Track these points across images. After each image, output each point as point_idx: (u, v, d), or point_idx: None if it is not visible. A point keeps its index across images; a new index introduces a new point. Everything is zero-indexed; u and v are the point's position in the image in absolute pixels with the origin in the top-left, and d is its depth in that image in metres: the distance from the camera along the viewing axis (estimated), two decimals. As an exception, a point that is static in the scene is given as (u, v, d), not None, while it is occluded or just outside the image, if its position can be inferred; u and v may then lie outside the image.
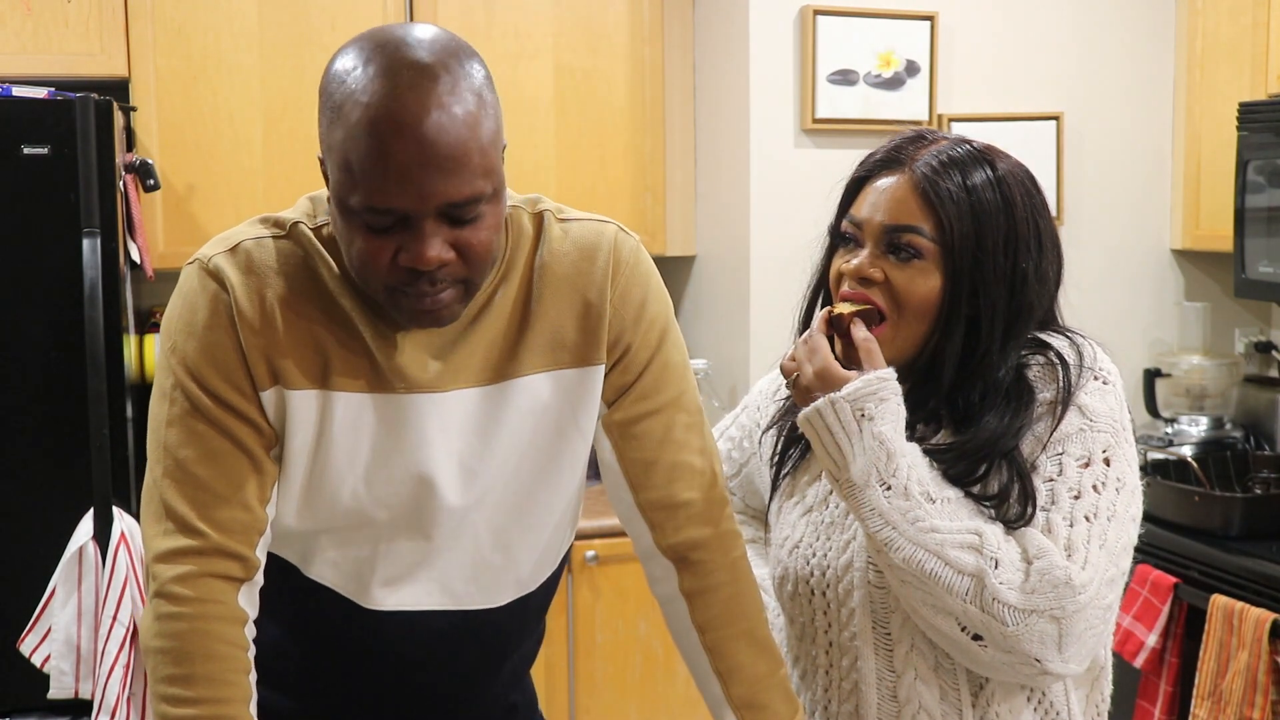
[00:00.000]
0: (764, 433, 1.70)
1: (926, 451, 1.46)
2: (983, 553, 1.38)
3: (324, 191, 1.43)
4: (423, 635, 1.47)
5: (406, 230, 1.26)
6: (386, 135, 1.23)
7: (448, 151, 1.24)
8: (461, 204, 1.26)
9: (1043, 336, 1.52)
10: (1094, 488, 1.43)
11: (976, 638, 1.40)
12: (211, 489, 1.35)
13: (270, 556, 1.44)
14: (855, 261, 1.50)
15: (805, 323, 1.60)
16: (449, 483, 1.41)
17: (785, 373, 1.50)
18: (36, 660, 2.64)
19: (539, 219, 1.45)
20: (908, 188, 1.48)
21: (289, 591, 1.47)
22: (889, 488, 1.40)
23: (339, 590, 1.46)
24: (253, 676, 1.37)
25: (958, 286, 1.47)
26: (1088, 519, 1.41)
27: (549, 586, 1.57)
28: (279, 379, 1.36)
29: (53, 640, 2.63)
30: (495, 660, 1.55)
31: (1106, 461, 1.44)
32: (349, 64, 1.28)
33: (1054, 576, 1.37)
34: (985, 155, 1.50)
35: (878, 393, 1.42)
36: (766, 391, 1.75)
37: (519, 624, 1.55)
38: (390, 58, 1.26)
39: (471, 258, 1.30)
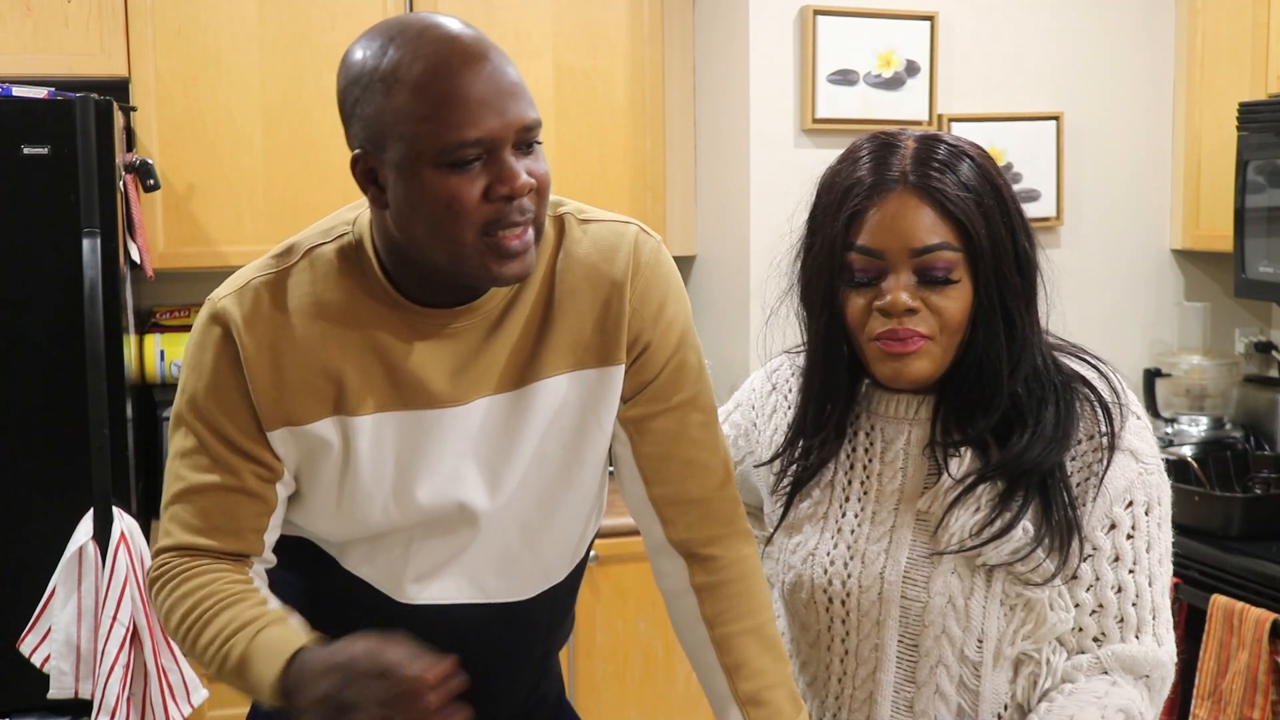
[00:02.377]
0: (762, 465, 1.66)
1: (975, 483, 1.47)
2: (1132, 715, 1.45)
3: (343, 210, 1.46)
4: (454, 627, 1.50)
5: (490, 164, 1.30)
6: (460, 69, 1.28)
7: (514, 78, 1.32)
8: (532, 127, 1.32)
9: (1065, 361, 1.52)
10: (1158, 533, 1.50)
11: None
12: (207, 518, 1.41)
13: (311, 546, 1.49)
14: (890, 296, 1.45)
15: (826, 371, 1.55)
16: (477, 488, 1.44)
17: None
18: (36, 660, 2.64)
19: (560, 221, 1.47)
20: (918, 203, 1.44)
21: (330, 580, 1.51)
22: None
23: (374, 584, 1.49)
24: (275, 603, 1.41)
25: (988, 286, 1.46)
26: (1160, 564, 1.49)
27: (576, 575, 1.60)
28: (289, 419, 1.39)
29: (53, 640, 2.63)
30: (525, 649, 1.58)
31: (1159, 501, 1.50)
32: (374, 48, 1.32)
33: (1168, 677, 1.48)
34: (960, 148, 1.49)
35: None
36: (760, 390, 1.72)
37: (548, 613, 1.58)
38: (421, 24, 1.32)
39: (542, 190, 1.34)
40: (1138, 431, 1.50)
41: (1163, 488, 1.51)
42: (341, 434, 1.40)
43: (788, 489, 1.61)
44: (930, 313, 1.45)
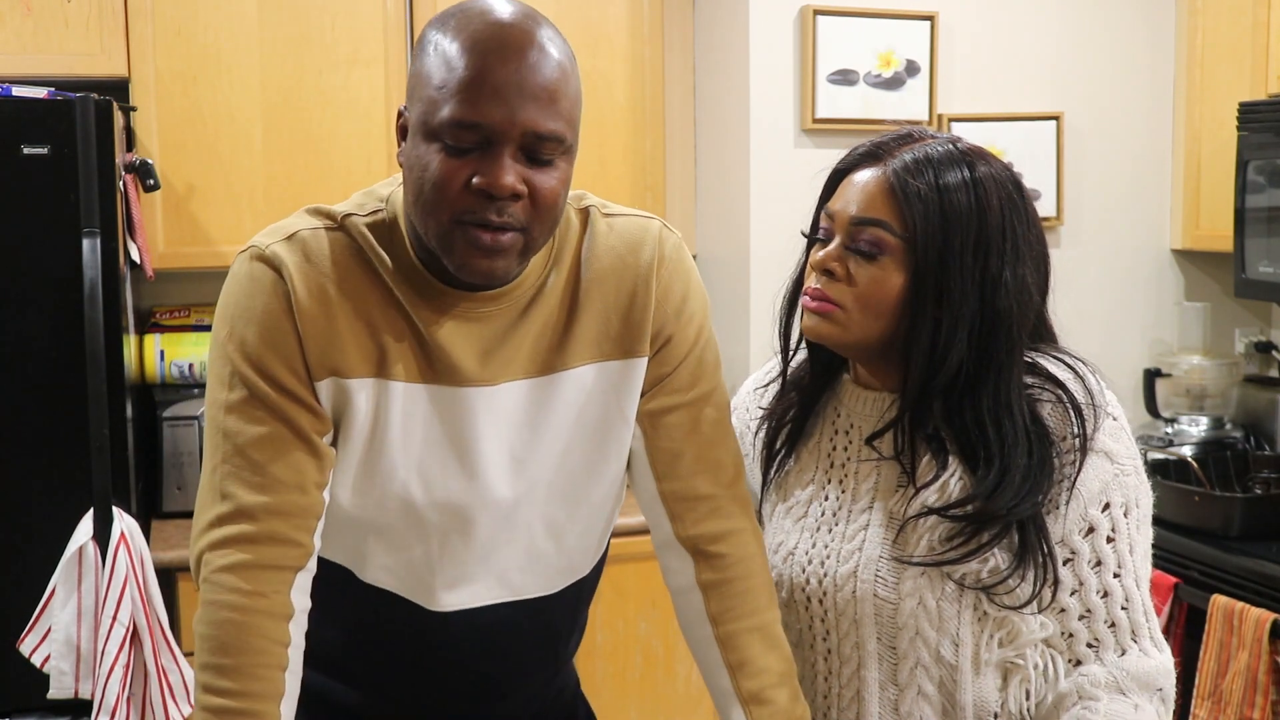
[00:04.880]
0: (755, 435, 1.69)
1: (939, 511, 1.44)
2: None
3: (378, 186, 1.46)
4: (484, 628, 1.50)
5: (485, 156, 1.29)
6: (489, 53, 1.28)
7: (542, 82, 1.29)
8: (545, 137, 1.30)
9: (1042, 362, 1.50)
10: (1138, 535, 1.48)
11: None
12: (269, 473, 1.35)
13: (325, 563, 1.45)
14: (822, 254, 1.50)
15: (787, 315, 1.60)
16: (499, 474, 1.43)
17: None
18: (36, 660, 2.64)
19: (584, 214, 1.48)
20: (879, 183, 1.47)
21: (349, 596, 1.48)
22: None
23: (399, 593, 1.48)
24: (290, 673, 1.36)
25: (922, 285, 1.45)
26: (1142, 565, 1.49)
27: (598, 569, 1.62)
28: (335, 370, 1.37)
29: (53, 640, 2.63)
30: (549, 646, 1.59)
31: (1137, 503, 1.48)
32: (442, 17, 1.34)
33: (1172, 685, 1.48)
34: (966, 156, 1.48)
35: None
36: (754, 391, 1.74)
37: (572, 609, 1.59)
38: (486, 5, 1.33)
39: (539, 204, 1.32)
40: (1113, 433, 1.47)
41: (1141, 489, 1.49)
42: (376, 398, 1.39)
43: (763, 457, 1.64)
44: (848, 285, 1.47)
